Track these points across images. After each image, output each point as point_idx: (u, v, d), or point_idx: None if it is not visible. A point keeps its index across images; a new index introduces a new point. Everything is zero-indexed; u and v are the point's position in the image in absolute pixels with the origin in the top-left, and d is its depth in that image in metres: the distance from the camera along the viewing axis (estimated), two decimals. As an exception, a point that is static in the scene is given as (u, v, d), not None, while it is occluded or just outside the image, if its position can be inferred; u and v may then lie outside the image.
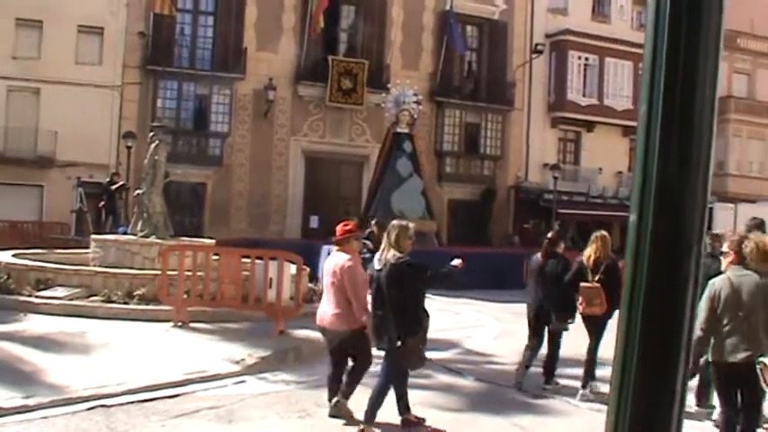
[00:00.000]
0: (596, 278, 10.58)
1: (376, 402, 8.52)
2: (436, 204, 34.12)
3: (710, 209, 18.74)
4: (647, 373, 1.72)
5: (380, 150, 32.46)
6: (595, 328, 10.65)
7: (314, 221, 36.93)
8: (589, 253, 10.85)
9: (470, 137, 41.32)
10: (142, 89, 35.01)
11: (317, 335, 13.77)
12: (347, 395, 9.00)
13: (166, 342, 12.50)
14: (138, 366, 10.39)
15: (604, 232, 11.14)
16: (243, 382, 10.48)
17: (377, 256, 8.97)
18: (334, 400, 9.04)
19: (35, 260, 17.78)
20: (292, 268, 14.87)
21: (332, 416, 8.95)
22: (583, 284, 10.65)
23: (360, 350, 9.04)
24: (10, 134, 33.18)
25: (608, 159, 43.34)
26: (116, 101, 34.72)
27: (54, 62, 33.30)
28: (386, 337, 8.42)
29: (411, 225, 9.12)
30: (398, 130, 30.92)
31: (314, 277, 19.44)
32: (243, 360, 11.27)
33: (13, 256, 18.17)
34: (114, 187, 29.18)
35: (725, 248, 7.74)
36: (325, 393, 9.37)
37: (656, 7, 1.72)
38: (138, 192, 19.55)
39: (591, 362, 10.64)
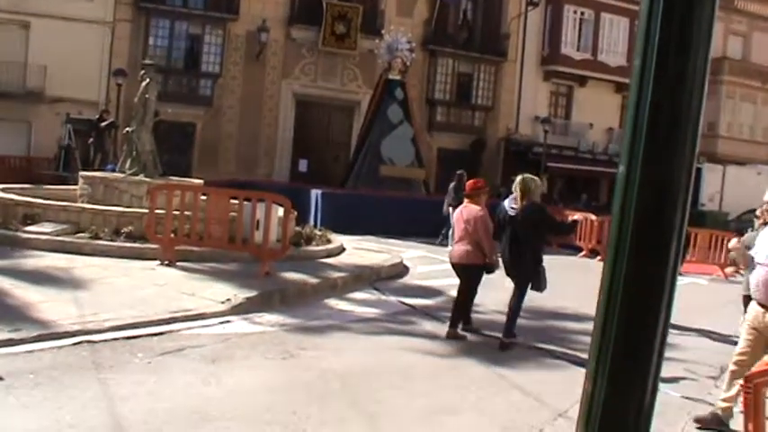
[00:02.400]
0: None
1: (514, 319, 10.62)
2: (425, 153, 34.10)
3: (699, 169, 19.26)
4: (632, 317, 1.76)
5: (372, 96, 32.34)
6: None
7: (302, 165, 36.95)
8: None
9: (462, 87, 41.20)
10: (134, 26, 34.72)
11: (302, 277, 13.92)
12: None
13: (153, 280, 12.54)
14: (124, 303, 10.44)
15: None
16: (228, 322, 10.54)
17: (508, 203, 10.67)
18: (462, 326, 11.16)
19: (23, 195, 17.74)
20: (280, 211, 14.90)
21: (451, 337, 10.79)
22: None
23: (475, 282, 11.12)
24: (-1, 68, 32.92)
25: (599, 115, 43.29)
26: (107, 37, 34.43)
27: (45, -5, 32.94)
28: (521, 267, 10.49)
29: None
30: (390, 76, 30.78)
31: (302, 220, 19.54)
32: (228, 300, 11.32)
33: (1, 190, 18.11)
34: (103, 124, 29.03)
35: (758, 213, 9.89)
36: (307, 336, 9.47)
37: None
38: (127, 130, 19.46)
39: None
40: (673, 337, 11.41)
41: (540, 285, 10.54)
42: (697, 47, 1.72)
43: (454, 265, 11.25)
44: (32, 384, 7.11)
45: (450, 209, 18.66)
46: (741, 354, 7.44)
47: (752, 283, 7.33)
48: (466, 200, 11.26)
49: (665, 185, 1.73)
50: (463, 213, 10.95)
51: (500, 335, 10.70)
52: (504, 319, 10.70)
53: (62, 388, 7.11)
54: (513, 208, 10.50)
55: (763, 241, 7.17)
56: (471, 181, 11.93)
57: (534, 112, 42.74)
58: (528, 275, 10.46)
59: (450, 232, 14.21)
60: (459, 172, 23.29)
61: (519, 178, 10.57)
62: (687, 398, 8.68)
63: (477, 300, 11.56)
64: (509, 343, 10.55)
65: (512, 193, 10.59)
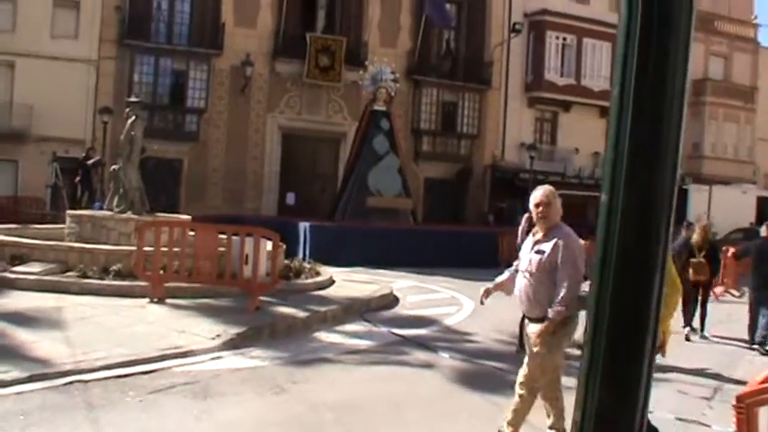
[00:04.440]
0: (702, 255, 14.98)
1: None
2: (412, 182, 34.17)
3: (685, 190, 19.57)
4: (618, 341, 1.78)
5: (357, 128, 32.44)
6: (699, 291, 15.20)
7: (290, 198, 36.98)
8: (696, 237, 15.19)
9: (447, 115, 41.39)
10: (119, 64, 34.80)
11: (292, 310, 13.89)
12: None
13: (143, 318, 12.49)
14: (114, 342, 10.39)
15: (700, 224, 15.86)
16: (219, 357, 10.51)
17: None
18: None
19: (10, 235, 17.70)
20: (268, 245, 14.89)
21: None
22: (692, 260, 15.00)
23: None
24: (-16, 108, 32.91)
25: (585, 140, 43.46)
26: (92, 75, 34.50)
27: (29, 35, 33.02)
28: None
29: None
30: (375, 107, 30.89)
31: (290, 253, 19.53)
32: (218, 336, 11.29)
33: (-12, 230, 18.09)
34: (90, 162, 29.02)
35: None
36: (299, 369, 9.43)
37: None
38: (114, 167, 19.46)
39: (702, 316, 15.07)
40: (664, 358, 11.45)
41: None
42: (674, 73, 1.75)
43: None
44: (23, 425, 7.07)
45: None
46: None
47: (515, 293, 7.33)
48: None
49: (648, 211, 1.75)
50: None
51: (495, 362, 10.70)
52: (496, 345, 10.70)
53: (53, 428, 7.08)
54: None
55: (524, 251, 7.16)
56: None
57: (520, 139, 42.91)
58: None
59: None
60: (527, 215, 22.66)
61: None
62: (680, 419, 8.68)
63: (471, 328, 11.57)
64: None
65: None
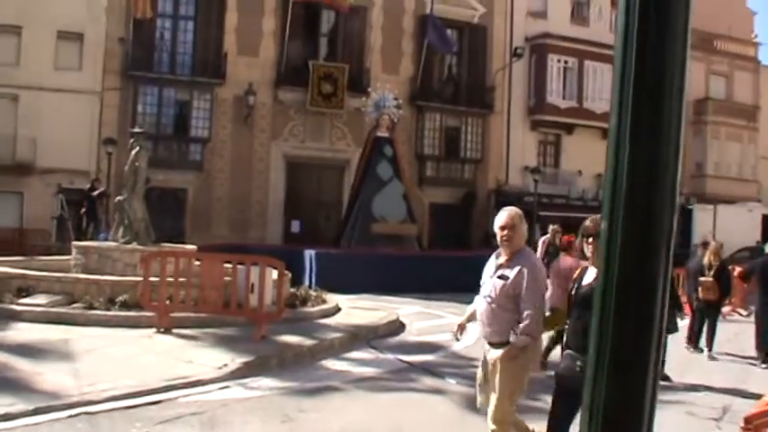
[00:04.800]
0: (711, 274, 15.27)
1: None
2: (417, 208, 34.16)
3: (690, 210, 19.79)
4: (619, 373, 1.78)
5: (361, 155, 32.46)
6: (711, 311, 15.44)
7: (295, 226, 36.97)
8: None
9: (451, 140, 41.45)
10: (122, 95, 34.93)
11: (299, 339, 13.88)
12: None
13: (149, 348, 12.49)
14: (121, 373, 10.39)
15: (714, 243, 16.50)
16: (226, 387, 10.49)
17: None
18: None
19: (16, 267, 17.72)
20: (274, 273, 14.89)
21: None
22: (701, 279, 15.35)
23: None
24: (-11, 141, 33.05)
25: (588, 162, 43.47)
26: (96, 107, 34.63)
27: (33, 68, 33.19)
28: None
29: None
30: (379, 134, 30.94)
31: (296, 281, 19.52)
32: (225, 365, 11.28)
33: (-6, 263, 18.12)
34: (95, 194, 29.12)
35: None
36: (306, 398, 9.43)
37: (625, 19, 1.79)
38: (118, 198, 19.52)
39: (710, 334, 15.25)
40: (673, 378, 11.39)
41: None
42: (670, 101, 1.76)
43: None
44: (31, 459, 7.06)
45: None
46: (482, 404, 7.05)
47: (477, 317, 7.11)
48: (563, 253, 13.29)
49: (648, 236, 1.76)
50: (564, 264, 11.88)
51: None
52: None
53: (61, 462, 7.07)
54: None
55: (487, 275, 6.94)
56: (566, 237, 14.51)
57: (523, 162, 42.97)
58: None
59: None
60: (543, 239, 22.51)
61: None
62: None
63: (478, 353, 11.45)
64: None
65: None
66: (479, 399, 7.05)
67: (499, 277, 6.72)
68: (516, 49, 42.22)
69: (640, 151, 1.75)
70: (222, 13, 36.30)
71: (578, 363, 5.95)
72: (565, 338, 6.42)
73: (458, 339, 7.33)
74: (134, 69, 34.60)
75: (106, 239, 20.86)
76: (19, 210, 33.93)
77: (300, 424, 8.95)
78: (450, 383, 11.49)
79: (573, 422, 6.09)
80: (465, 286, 24.91)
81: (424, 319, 19.11)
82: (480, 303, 6.92)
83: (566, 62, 43.85)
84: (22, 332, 13.20)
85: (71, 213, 31.00)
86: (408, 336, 16.46)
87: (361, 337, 15.32)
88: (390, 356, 13.64)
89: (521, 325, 6.51)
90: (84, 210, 29.32)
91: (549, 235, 21.64)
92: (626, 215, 1.76)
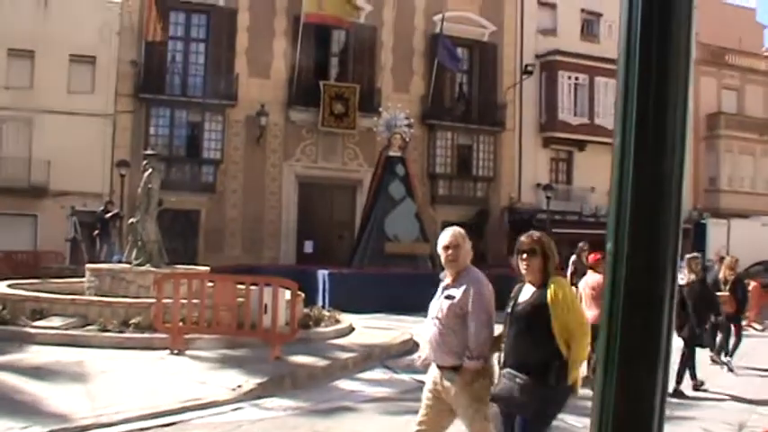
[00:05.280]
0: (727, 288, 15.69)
1: None
2: (430, 227, 34.09)
3: (703, 225, 19.97)
4: (628, 385, 1.78)
5: (373, 174, 32.50)
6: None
7: (308, 246, 36.96)
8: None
9: (462, 159, 41.42)
10: (135, 117, 35.09)
11: (312, 359, 13.87)
12: None
13: (163, 370, 12.51)
14: (135, 395, 10.41)
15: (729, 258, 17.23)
16: (240, 408, 10.50)
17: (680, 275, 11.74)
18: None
19: (30, 290, 17.80)
20: (287, 294, 14.90)
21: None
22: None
23: None
24: (3, 164, 33.23)
25: (600, 178, 43.29)
26: (109, 129, 34.79)
27: (46, 92, 33.39)
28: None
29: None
30: (391, 153, 30.96)
31: (310, 302, 19.51)
32: (239, 386, 11.29)
33: (9, 286, 18.19)
34: (108, 216, 29.22)
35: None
36: (320, 419, 9.43)
37: (626, 39, 1.81)
38: (132, 220, 19.59)
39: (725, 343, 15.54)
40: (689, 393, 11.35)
41: None
42: (674, 121, 1.77)
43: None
44: (46, 483, 7.07)
45: None
46: (420, 423, 6.76)
47: (426, 339, 6.91)
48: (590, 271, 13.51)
49: (653, 255, 1.77)
50: (590, 281, 13.01)
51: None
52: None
53: (76, 485, 7.07)
54: None
55: (436, 297, 6.77)
56: (593, 254, 14.50)
57: (535, 180, 42.92)
58: None
59: None
60: (573, 259, 22.36)
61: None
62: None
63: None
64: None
65: None
66: (419, 418, 6.79)
67: (446, 297, 6.61)
68: (527, 66, 42.25)
69: (645, 167, 1.76)
70: (233, 35, 36.45)
71: (518, 380, 5.90)
72: (503, 358, 6.26)
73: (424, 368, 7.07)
74: (146, 92, 34.77)
75: (120, 261, 20.94)
76: (33, 232, 34.07)
77: (314, 444, 8.94)
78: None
79: None
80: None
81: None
82: (428, 326, 6.75)
83: (576, 79, 43.83)
84: (35, 354, 13.25)
85: (84, 235, 31.11)
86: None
87: (375, 356, 15.30)
88: (405, 376, 13.60)
89: (470, 347, 6.34)
90: (97, 232, 29.41)
91: (575, 255, 21.60)
92: (631, 232, 1.76)
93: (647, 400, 1.78)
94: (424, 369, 7.07)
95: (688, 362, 13.02)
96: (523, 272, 6.25)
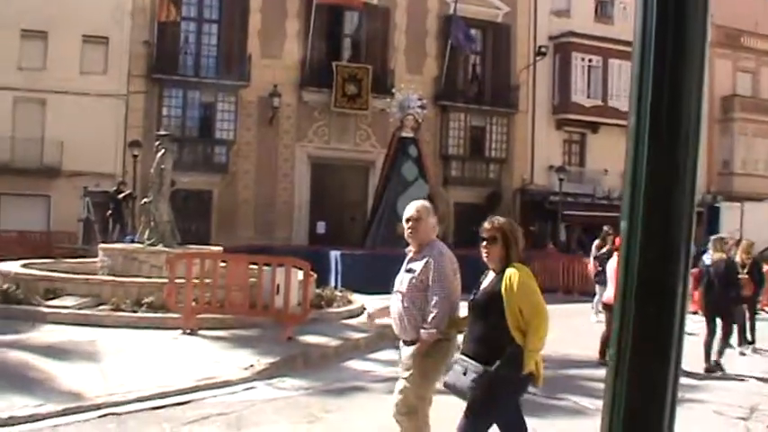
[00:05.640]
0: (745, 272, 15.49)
1: None
2: (442, 208, 34.11)
3: (717, 208, 20.09)
4: (640, 371, 1.79)
5: (386, 155, 32.47)
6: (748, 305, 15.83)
7: (320, 227, 37.02)
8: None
9: (475, 140, 41.38)
10: (147, 98, 35.13)
11: (324, 339, 13.91)
12: None
13: (176, 349, 12.57)
14: (148, 374, 10.46)
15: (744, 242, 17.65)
16: (252, 388, 10.54)
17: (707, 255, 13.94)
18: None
19: (44, 270, 17.88)
20: (300, 274, 14.93)
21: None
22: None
23: None
24: (17, 144, 33.34)
25: (613, 160, 43.16)
26: (121, 110, 34.85)
27: (59, 72, 33.44)
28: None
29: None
30: (403, 134, 30.90)
31: (322, 282, 19.53)
32: (252, 366, 11.33)
33: (22, 266, 18.27)
34: (121, 196, 29.31)
35: None
36: (332, 398, 9.47)
37: (642, 22, 1.80)
38: (144, 200, 19.64)
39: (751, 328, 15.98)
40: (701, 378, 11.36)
41: None
42: (689, 100, 1.77)
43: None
44: (60, 460, 7.13)
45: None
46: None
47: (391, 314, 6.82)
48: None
49: (667, 234, 1.77)
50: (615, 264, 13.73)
51: (530, 387, 10.63)
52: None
53: (90, 462, 7.13)
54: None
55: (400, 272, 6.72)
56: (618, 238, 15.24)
57: (548, 162, 42.82)
58: None
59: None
60: (596, 243, 22.17)
61: None
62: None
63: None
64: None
65: None
66: (394, 399, 6.76)
67: (407, 271, 6.60)
68: (540, 47, 42.09)
69: (659, 150, 1.76)
70: (246, 15, 36.40)
71: (467, 366, 5.82)
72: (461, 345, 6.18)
73: (369, 326, 7.09)
74: (159, 72, 34.80)
75: (132, 241, 20.99)
76: (46, 212, 34.22)
77: (327, 424, 8.98)
78: (476, 383, 11.44)
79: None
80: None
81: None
82: (393, 300, 6.75)
83: (590, 60, 43.64)
84: (49, 334, 13.31)
85: (97, 216, 31.24)
86: (434, 335, 16.40)
87: (387, 337, 15.30)
88: (416, 357, 13.61)
89: (427, 318, 6.32)
90: (110, 212, 29.51)
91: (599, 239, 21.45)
92: (645, 215, 1.77)
93: (659, 385, 1.79)
94: (370, 327, 7.09)
95: (727, 337, 13.67)
96: (485, 259, 6.15)
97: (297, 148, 37.75)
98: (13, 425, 8.08)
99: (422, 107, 31.76)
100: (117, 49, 34.74)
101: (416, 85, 33.65)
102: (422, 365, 6.40)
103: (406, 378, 6.53)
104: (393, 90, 33.12)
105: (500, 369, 5.65)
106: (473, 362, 5.79)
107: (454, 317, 6.50)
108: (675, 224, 1.76)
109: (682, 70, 1.76)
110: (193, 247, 19.55)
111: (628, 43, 42.21)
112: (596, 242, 21.62)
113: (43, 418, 8.35)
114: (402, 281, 6.62)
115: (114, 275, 17.23)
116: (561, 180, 39.46)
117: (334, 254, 26.25)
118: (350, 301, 18.69)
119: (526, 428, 6.36)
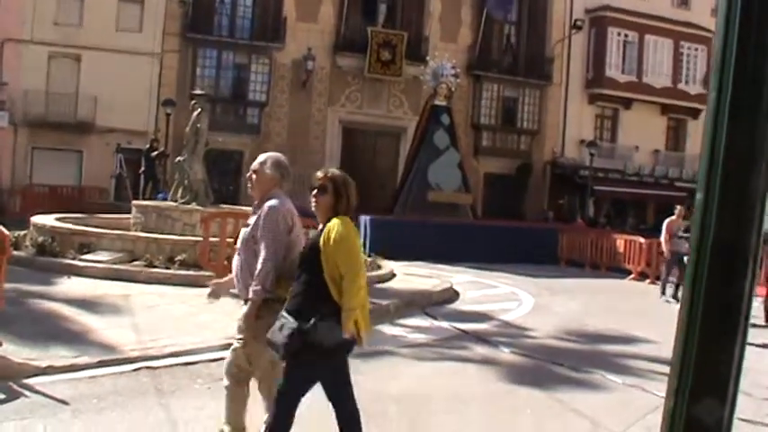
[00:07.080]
0: None
1: None
2: (472, 177, 34.12)
3: None
4: (709, 338, 1.84)
5: (418, 123, 32.45)
6: None
7: (350, 191, 37.05)
8: None
9: (507, 111, 41.31)
10: (181, 57, 35.28)
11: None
12: None
13: (207, 307, 12.65)
14: (181, 330, 10.61)
15: None
16: (283, 347, 10.64)
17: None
18: None
19: (78, 224, 18.08)
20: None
21: None
22: None
23: None
24: (51, 99, 33.58)
25: (645, 137, 43.06)
26: (155, 68, 35.02)
27: (95, 29, 33.61)
28: None
29: None
30: (436, 102, 30.85)
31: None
32: (283, 326, 11.43)
33: (57, 219, 18.47)
34: (154, 154, 29.48)
35: None
36: (362, 361, 9.58)
37: (727, 5, 1.83)
38: (178, 159, 19.76)
39: None
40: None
41: None
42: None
43: None
44: (97, 409, 7.26)
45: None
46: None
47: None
48: None
49: (742, 207, 1.81)
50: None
51: (556, 359, 10.70)
52: (557, 342, 10.70)
53: (126, 413, 7.25)
54: None
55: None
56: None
57: (580, 136, 42.66)
58: None
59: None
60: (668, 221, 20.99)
61: None
62: (743, 419, 8.63)
63: (531, 324, 11.53)
64: None
65: None
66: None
67: (244, 225, 6.41)
68: (576, 21, 41.85)
69: (738, 128, 1.80)
70: (283, -23, 36.39)
71: (283, 321, 5.42)
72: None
73: (212, 299, 6.86)
74: (194, 32, 34.90)
75: (165, 199, 21.15)
76: (78, 167, 34.51)
77: (357, 386, 8.98)
78: (504, 352, 11.55)
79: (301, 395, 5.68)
80: (518, 257, 25.05)
81: (478, 288, 19.17)
82: (234, 258, 6.52)
83: (626, 36, 43.31)
84: (84, 287, 13.52)
85: (129, 173, 31.47)
86: (462, 304, 16.53)
87: (416, 303, 15.42)
88: (445, 324, 13.72)
89: (255, 274, 6.01)
90: (142, 170, 29.71)
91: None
92: (722, 188, 1.81)
93: (726, 351, 1.84)
94: (214, 298, 6.90)
95: None
96: (313, 209, 5.83)
97: (329, 113, 37.82)
98: (51, 374, 8.24)
99: (455, 76, 31.70)
100: (153, 7, 34.86)
101: (450, 54, 33.51)
102: (252, 327, 6.05)
103: (237, 339, 6.29)
104: (427, 58, 33.05)
105: (312, 328, 5.28)
106: (290, 317, 5.40)
107: (285, 275, 6.00)
108: (751, 197, 1.80)
109: (765, 50, 1.79)
110: (225, 207, 19.68)
111: (664, 20, 41.84)
112: (667, 221, 20.15)
113: (80, 369, 8.49)
114: (241, 237, 6.40)
115: (147, 232, 17.40)
116: (592, 155, 39.31)
117: (364, 218, 26.26)
118: (379, 267, 18.79)
119: (353, 397, 6.03)
